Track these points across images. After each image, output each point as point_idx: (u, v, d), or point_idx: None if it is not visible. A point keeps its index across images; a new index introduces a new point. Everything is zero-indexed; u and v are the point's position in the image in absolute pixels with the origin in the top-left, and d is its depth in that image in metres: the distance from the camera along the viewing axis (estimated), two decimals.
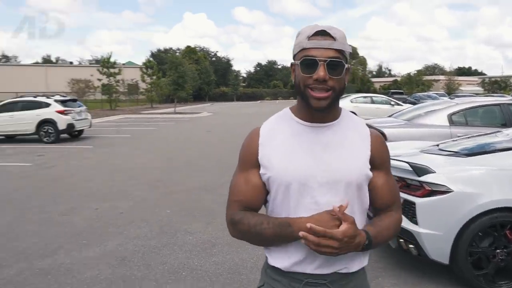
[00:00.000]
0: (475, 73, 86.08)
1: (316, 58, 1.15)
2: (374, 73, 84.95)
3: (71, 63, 76.80)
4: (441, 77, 59.03)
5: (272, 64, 76.23)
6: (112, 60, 32.94)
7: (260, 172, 1.27)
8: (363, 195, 1.28)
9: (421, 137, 5.85)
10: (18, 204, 5.92)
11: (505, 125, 6.13)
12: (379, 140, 1.32)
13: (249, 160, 1.29)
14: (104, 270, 3.71)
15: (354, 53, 62.85)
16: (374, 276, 3.50)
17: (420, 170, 3.29)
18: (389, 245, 3.61)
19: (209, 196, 6.13)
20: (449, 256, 3.17)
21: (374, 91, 51.60)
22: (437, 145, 4.30)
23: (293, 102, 1.34)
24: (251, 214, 1.27)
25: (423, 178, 3.26)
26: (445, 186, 3.17)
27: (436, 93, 33.59)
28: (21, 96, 14.55)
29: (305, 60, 1.17)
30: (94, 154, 10.71)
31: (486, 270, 3.14)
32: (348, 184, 1.23)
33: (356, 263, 1.28)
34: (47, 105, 13.15)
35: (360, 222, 1.28)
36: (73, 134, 14.04)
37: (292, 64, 1.25)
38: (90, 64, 65.94)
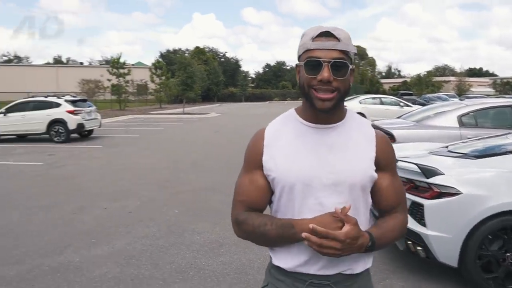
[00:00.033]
0: (487, 74, 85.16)
1: (320, 59, 1.15)
2: (384, 74, 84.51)
3: (81, 63, 77.55)
4: (452, 78, 58.47)
5: (280, 64, 76.21)
6: (121, 60, 33.25)
7: (265, 173, 1.28)
8: (368, 196, 1.28)
9: (430, 138, 5.81)
10: (29, 202, 6.00)
11: None
12: (384, 141, 1.31)
13: (254, 160, 1.30)
14: (112, 268, 3.74)
15: (363, 54, 62.61)
16: (382, 278, 3.48)
17: (428, 171, 3.27)
18: (397, 247, 3.59)
19: (217, 197, 6.15)
20: (458, 259, 3.14)
21: (383, 92, 51.32)
22: (446, 147, 4.27)
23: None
24: (255, 215, 1.27)
25: (432, 180, 3.24)
26: (454, 188, 3.15)
27: (446, 94, 33.29)
28: (32, 96, 14.72)
29: (309, 61, 1.17)
30: (104, 154, 10.80)
31: (495, 273, 3.11)
32: (352, 185, 1.23)
33: (360, 265, 1.28)
34: (58, 105, 13.30)
35: (366, 223, 1.28)
36: (83, 134, 14.17)
37: (296, 66, 1.25)
38: (100, 64, 66.60)
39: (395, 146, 5.06)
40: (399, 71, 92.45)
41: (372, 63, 63.80)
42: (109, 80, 32.99)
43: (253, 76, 75.29)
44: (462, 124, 6.35)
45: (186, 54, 53.43)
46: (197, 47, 57.69)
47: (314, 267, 1.24)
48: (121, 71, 32.89)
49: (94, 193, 6.50)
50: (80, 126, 13.38)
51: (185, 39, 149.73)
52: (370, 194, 1.30)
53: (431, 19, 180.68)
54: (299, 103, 1.38)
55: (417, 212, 3.29)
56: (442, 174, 3.25)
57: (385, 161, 1.29)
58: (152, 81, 35.54)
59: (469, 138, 5.17)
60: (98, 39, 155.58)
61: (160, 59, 41.05)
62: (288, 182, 1.24)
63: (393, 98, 19.77)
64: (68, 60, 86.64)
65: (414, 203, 3.33)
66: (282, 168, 1.24)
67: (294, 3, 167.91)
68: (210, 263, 3.84)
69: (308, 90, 1.19)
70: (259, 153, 1.29)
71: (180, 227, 4.84)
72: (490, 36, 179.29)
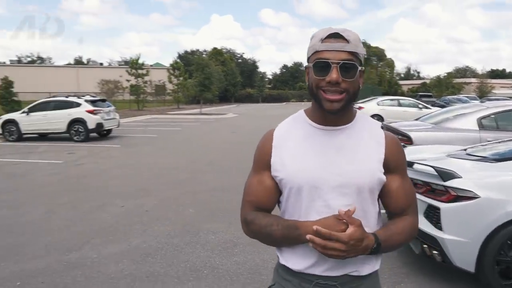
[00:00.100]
0: (510, 75, 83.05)
1: (329, 61, 1.15)
2: (402, 75, 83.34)
3: (101, 64, 78.94)
4: (473, 80, 57.23)
5: (298, 65, 75.92)
6: (140, 61, 33.69)
7: (273, 174, 1.29)
8: (375, 199, 1.28)
9: (448, 141, 5.72)
10: (49, 199, 6.15)
11: None
12: (394, 143, 1.30)
13: (263, 161, 1.31)
14: (128, 265, 3.81)
15: (381, 55, 61.91)
16: (396, 282, 3.45)
17: (445, 174, 3.23)
18: (413, 250, 3.55)
19: (233, 197, 6.17)
20: (475, 264, 3.08)
21: (402, 94, 50.58)
22: (465, 150, 4.20)
23: None
24: (262, 215, 1.29)
25: (449, 183, 3.19)
26: (472, 191, 3.09)
27: (467, 96, 32.64)
28: (53, 96, 15.04)
29: (318, 63, 1.18)
30: (121, 153, 10.98)
31: None
32: (360, 187, 1.23)
33: (367, 267, 1.28)
34: (78, 105, 13.56)
35: (375, 225, 1.28)
36: (101, 133, 14.41)
37: (306, 67, 1.26)
38: (119, 65, 67.65)
39: (412, 148, 5.02)
40: (418, 72, 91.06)
41: (390, 64, 62.99)
42: (128, 80, 33.48)
43: (270, 77, 75.34)
44: (482, 126, 6.22)
45: (204, 55, 53.80)
46: (215, 48, 58.07)
47: (320, 268, 1.24)
48: (140, 71, 33.34)
49: (112, 192, 6.62)
50: (99, 125, 13.62)
51: (203, 40, 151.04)
52: (379, 196, 1.30)
53: (451, 20, 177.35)
54: None
55: (433, 215, 3.25)
56: (459, 177, 3.20)
57: (394, 163, 1.28)
58: (170, 81, 35.90)
59: (489, 141, 5.06)
60: (117, 40, 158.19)
61: (178, 60, 41.44)
62: (296, 183, 1.24)
63: (411, 100, 19.47)
64: (88, 61, 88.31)
65: (430, 206, 3.29)
66: (290, 170, 1.25)
67: (311, 5, 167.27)
68: (224, 263, 3.87)
69: (317, 91, 1.20)
70: (267, 154, 1.30)
71: (195, 227, 4.89)
72: None
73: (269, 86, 68.52)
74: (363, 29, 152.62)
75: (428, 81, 57.62)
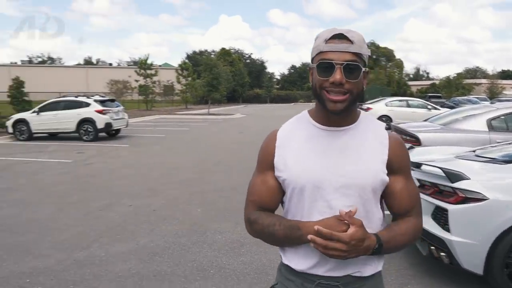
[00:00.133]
0: None
1: (333, 62, 1.15)
2: (411, 76, 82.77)
3: (110, 64, 79.51)
4: (483, 81, 56.64)
5: (306, 66, 75.55)
6: (149, 61, 33.94)
7: (276, 174, 1.29)
8: (379, 199, 1.28)
9: (457, 142, 5.68)
10: (59, 198, 6.22)
11: None
12: (398, 144, 1.30)
13: (266, 161, 1.32)
14: (136, 264, 3.84)
15: (390, 55, 61.48)
16: (403, 283, 3.44)
17: (453, 176, 3.21)
18: (420, 252, 3.54)
19: (240, 197, 6.19)
20: (484, 267, 3.06)
21: (411, 95, 50.22)
22: (474, 151, 4.17)
23: None
24: (265, 215, 1.30)
25: (457, 185, 3.17)
26: (480, 193, 3.07)
27: (477, 97, 32.29)
28: (63, 96, 15.21)
29: (322, 64, 1.18)
30: (130, 153, 11.05)
31: None
32: (362, 188, 1.22)
33: (370, 268, 1.28)
34: (87, 104, 13.68)
35: (378, 226, 1.28)
36: (110, 133, 14.52)
37: (310, 68, 1.26)
38: (128, 65, 68.14)
39: (420, 149, 4.99)
40: (427, 73, 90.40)
41: (399, 64, 62.48)
42: (136, 80, 33.73)
43: (279, 77, 75.30)
44: (491, 128, 6.17)
45: (212, 56, 53.95)
46: (223, 49, 58.15)
47: (323, 268, 1.25)
48: (148, 72, 33.56)
49: (120, 191, 6.67)
50: (108, 125, 13.72)
51: (211, 41, 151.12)
52: (383, 198, 1.30)
53: (462, 20, 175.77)
54: None
55: (441, 217, 3.23)
56: (467, 179, 3.17)
57: (398, 164, 1.28)
58: (178, 82, 36.08)
59: (498, 143, 5.01)
60: (127, 40, 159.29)
61: (187, 61, 41.58)
62: (298, 184, 1.25)
63: (420, 101, 19.33)
64: (98, 61, 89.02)
65: (438, 208, 3.27)
66: (293, 170, 1.25)
67: (320, 5, 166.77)
68: (231, 262, 3.88)
69: (320, 91, 1.20)
70: (271, 154, 1.31)
71: (202, 226, 4.91)
72: None
73: (277, 86, 68.45)
74: (372, 29, 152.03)
75: (437, 82, 57.12)
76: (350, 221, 1.13)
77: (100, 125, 13.46)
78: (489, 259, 3.03)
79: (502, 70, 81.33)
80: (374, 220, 1.26)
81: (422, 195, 3.45)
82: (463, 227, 3.10)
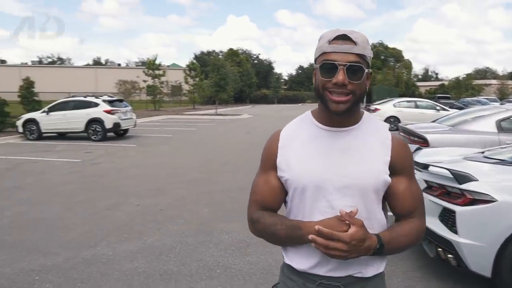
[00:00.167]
0: None
1: (336, 62, 1.15)
2: (420, 76, 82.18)
3: (119, 65, 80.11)
4: (493, 82, 56.09)
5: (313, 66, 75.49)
6: (157, 62, 34.06)
7: (278, 174, 1.30)
8: (381, 200, 1.28)
9: (466, 143, 5.63)
10: (67, 197, 6.27)
11: None
12: (401, 145, 1.29)
13: (269, 161, 1.33)
14: (142, 263, 3.86)
15: (399, 56, 61.06)
16: (410, 285, 3.41)
17: (461, 177, 3.18)
18: (427, 254, 3.51)
19: (247, 197, 6.12)
20: (492, 269, 3.03)
21: (419, 96, 49.88)
22: (482, 153, 4.13)
23: None
24: (268, 214, 1.30)
25: (465, 186, 3.14)
26: (489, 195, 3.04)
27: (487, 98, 31.95)
28: (72, 96, 15.33)
29: (325, 64, 1.18)
30: (138, 153, 11.12)
31: None
32: (364, 189, 1.22)
33: (372, 269, 1.27)
34: (96, 105, 13.77)
35: (380, 226, 1.27)
36: (118, 133, 14.62)
37: (313, 68, 1.26)
38: (136, 66, 68.53)
39: (428, 150, 4.95)
40: (436, 73, 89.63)
41: (408, 65, 62.03)
42: (144, 81, 33.90)
43: (286, 78, 75.13)
44: (501, 129, 6.10)
45: (220, 56, 54.08)
46: (231, 49, 58.25)
47: (324, 268, 1.25)
48: (157, 72, 33.71)
49: (127, 190, 6.71)
50: (116, 125, 13.81)
51: (219, 41, 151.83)
52: (386, 199, 1.29)
53: (471, 20, 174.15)
54: None
55: (449, 218, 3.21)
56: (475, 180, 3.15)
57: (401, 165, 1.27)
58: (186, 82, 36.19)
59: (508, 144, 4.96)
60: (135, 41, 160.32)
61: (194, 61, 41.70)
62: (300, 184, 1.25)
63: (429, 102, 19.16)
64: (106, 61, 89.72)
65: (445, 210, 3.25)
66: (295, 170, 1.26)
67: (328, 5, 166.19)
68: (237, 262, 3.89)
69: (323, 92, 1.20)
70: (274, 154, 1.31)
71: (209, 226, 4.93)
72: None
73: (285, 87, 68.32)
74: (381, 29, 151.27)
75: (446, 83, 56.66)
76: (351, 221, 1.13)
77: (108, 125, 13.56)
78: (498, 262, 3.00)
79: None
80: (376, 220, 1.26)
81: (429, 196, 3.44)
82: (471, 229, 3.07)
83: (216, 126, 19.87)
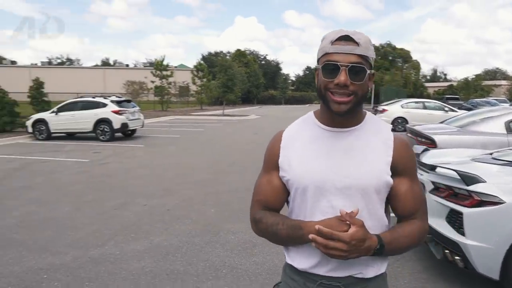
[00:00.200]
0: None
1: (338, 63, 1.16)
2: (428, 77, 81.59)
3: (127, 65, 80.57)
4: (503, 82, 55.46)
5: None
6: (165, 63, 34.21)
7: (280, 174, 1.31)
8: (383, 201, 1.27)
9: (474, 145, 5.59)
10: (75, 197, 6.33)
11: None
12: (403, 145, 1.29)
13: (271, 161, 1.34)
14: (149, 263, 3.89)
15: (407, 56, 60.71)
16: (417, 287, 3.40)
17: (468, 179, 3.16)
18: (434, 255, 3.49)
19: None
20: (500, 272, 3.00)
21: (428, 97, 49.54)
22: (491, 154, 4.10)
23: None
24: (270, 214, 1.31)
25: (472, 188, 3.12)
26: (497, 196, 3.02)
27: (496, 99, 31.63)
28: (81, 97, 15.46)
29: (327, 65, 1.18)
30: (145, 153, 11.18)
31: None
32: (365, 189, 1.22)
33: (372, 269, 1.27)
34: (104, 105, 13.88)
35: (381, 227, 1.27)
36: (126, 133, 14.70)
37: (316, 69, 1.26)
38: (144, 66, 68.91)
39: (435, 151, 4.92)
40: (445, 74, 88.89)
41: (416, 66, 61.66)
42: (152, 81, 34.06)
43: (293, 78, 75.03)
44: (510, 130, 6.06)
45: (227, 57, 54.18)
46: (238, 50, 58.34)
47: (324, 268, 1.25)
48: (164, 73, 33.86)
49: (135, 191, 6.76)
50: (124, 125, 13.91)
51: (227, 42, 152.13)
52: (388, 199, 1.29)
53: (481, 20, 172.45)
54: None
55: (456, 220, 3.19)
56: (483, 182, 3.13)
57: (403, 166, 1.27)
58: (194, 83, 36.32)
59: None
60: (143, 42, 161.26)
61: (202, 62, 41.81)
62: (301, 184, 1.26)
63: (437, 103, 19.02)
64: (115, 62, 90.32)
65: (452, 211, 3.23)
66: (296, 171, 1.26)
67: (336, 6, 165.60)
68: (243, 263, 3.90)
69: (325, 93, 1.20)
70: (276, 155, 1.32)
71: (215, 226, 4.94)
72: None
73: (292, 88, 68.27)
74: (388, 30, 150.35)
75: (455, 84, 56.19)
76: (351, 221, 1.13)
77: (116, 125, 13.65)
78: (506, 264, 2.98)
79: None
80: (377, 221, 1.26)
81: (436, 198, 3.42)
82: (478, 231, 3.05)
83: (223, 127, 19.91)
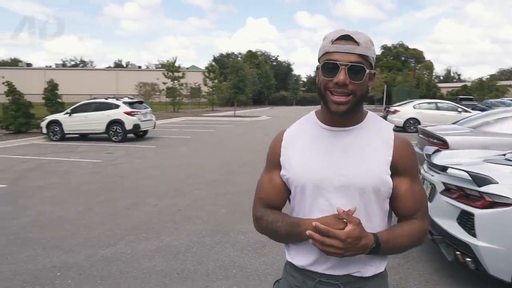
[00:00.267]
0: None
1: (337, 62, 1.17)
2: (442, 78, 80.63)
3: (139, 67, 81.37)
4: None
5: None
6: (176, 64, 34.47)
7: (281, 173, 1.33)
8: (382, 200, 1.27)
9: (488, 146, 5.53)
10: (88, 197, 6.43)
11: None
12: (404, 145, 1.28)
13: (273, 161, 1.36)
14: (160, 262, 3.93)
15: (419, 57, 60.08)
16: None
17: (480, 180, 3.13)
18: (445, 257, 3.46)
19: None
20: None
21: (441, 97, 48.96)
22: (504, 155, 4.05)
23: None
24: (270, 212, 1.33)
25: (484, 189, 3.09)
26: (509, 198, 2.98)
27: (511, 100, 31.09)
28: (94, 98, 15.66)
29: (327, 64, 1.19)
30: (156, 154, 11.28)
31: None
32: (363, 188, 1.23)
33: (370, 268, 1.28)
34: (117, 106, 14.03)
35: (380, 226, 1.27)
36: (138, 134, 14.85)
37: (317, 68, 1.27)
38: (156, 68, 69.46)
39: (447, 152, 4.87)
40: (458, 74, 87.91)
41: (429, 66, 60.94)
42: (164, 83, 34.35)
43: (305, 79, 74.88)
44: None
45: (239, 58, 54.30)
46: (250, 51, 58.43)
47: (322, 266, 1.27)
48: (176, 74, 34.10)
49: (146, 191, 6.83)
50: (136, 126, 14.03)
51: (238, 43, 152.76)
52: (387, 200, 1.28)
53: (496, 19, 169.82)
54: None
55: (467, 221, 3.16)
56: (495, 183, 3.09)
57: (403, 165, 1.26)
58: (205, 84, 36.51)
59: None
60: (156, 43, 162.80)
61: (213, 63, 42.03)
62: (300, 182, 1.27)
63: (450, 103, 18.77)
64: (127, 64, 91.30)
65: (463, 212, 3.20)
66: (296, 169, 1.28)
67: (347, 6, 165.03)
68: (253, 263, 3.92)
69: (325, 92, 1.21)
70: (277, 154, 1.34)
71: (226, 227, 4.97)
72: None
73: (303, 88, 68.13)
74: (401, 30, 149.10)
75: (469, 84, 55.42)
76: (348, 219, 1.14)
77: (128, 126, 13.78)
78: None
79: None
80: (375, 220, 1.26)
81: (447, 199, 3.39)
82: (490, 232, 3.02)
83: (234, 128, 19.96)
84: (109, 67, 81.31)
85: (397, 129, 16.97)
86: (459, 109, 17.36)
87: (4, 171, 8.60)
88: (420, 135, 7.13)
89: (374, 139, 1.27)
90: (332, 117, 1.27)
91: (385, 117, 18.58)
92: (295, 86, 60.54)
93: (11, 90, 16.01)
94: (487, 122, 6.68)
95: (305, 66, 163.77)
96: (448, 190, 3.46)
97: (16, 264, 3.89)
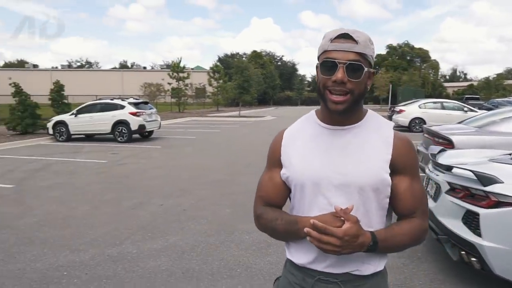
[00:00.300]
0: None
1: (336, 61, 1.17)
2: (447, 77, 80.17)
3: (144, 68, 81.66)
4: None
5: None
6: (181, 65, 34.58)
7: (281, 172, 1.34)
8: (382, 199, 1.27)
9: (493, 145, 5.50)
10: (93, 197, 6.47)
11: None
12: (404, 143, 1.29)
13: (273, 159, 1.38)
14: (165, 261, 3.95)
15: (425, 56, 59.77)
16: None
17: (485, 179, 3.12)
18: (450, 257, 3.45)
19: None
20: None
21: (447, 97, 48.70)
22: (510, 154, 4.03)
23: None
24: (270, 210, 1.35)
25: (489, 188, 3.08)
26: None
27: None
28: (99, 99, 15.75)
29: (326, 62, 1.20)
30: (162, 154, 11.32)
31: None
32: (362, 187, 1.23)
33: (369, 267, 1.28)
34: (122, 107, 14.10)
35: (379, 225, 1.27)
36: (144, 134, 14.92)
37: (316, 67, 1.28)
38: (161, 68, 69.70)
39: (452, 152, 4.86)
40: (465, 74, 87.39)
41: (434, 66, 60.58)
42: (169, 83, 34.45)
43: (310, 79, 74.76)
44: None
45: (244, 58, 54.34)
46: (254, 51, 58.48)
47: (321, 264, 1.28)
48: (181, 75, 34.21)
49: (151, 191, 6.86)
50: (141, 127, 14.10)
51: (243, 43, 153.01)
52: (387, 199, 1.28)
53: (502, 17, 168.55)
54: None
55: (472, 221, 3.15)
56: (501, 183, 3.08)
57: (402, 164, 1.26)
58: (210, 84, 36.58)
59: None
60: (160, 44, 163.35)
61: (218, 63, 42.13)
62: (300, 181, 1.28)
63: (456, 103, 18.66)
64: (132, 64, 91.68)
65: (468, 212, 3.19)
66: (295, 168, 1.29)
67: (353, 6, 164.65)
68: (258, 262, 3.93)
69: (324, 91, 1.22)
70: (277, 153, 1.36)
71: (231, 226, 4.99)
72: None
73: (308, 88, 68.02)
74: (407, 29, 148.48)
75: (475, 83, 55.06)
76: (346, 217, 1.14)
77: (134, 126, 13.85)
78: None
79: None
80: (374, 219, 1.26)
81: (453, 199, 3.38)
82: (495, 232, 3.01)
83: (239, 128, 19.99)
84: (115, 68, 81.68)
85: (403, 129, 16.90)
86: (465, 109, 17.25)
87: (11, 172, 8.68)
88: (425, 135, 7.11)
89: (373, 138, 1.28)
90: (331, 116, 1.27)
91: (390, 117, 18.53)
92: (300, 86, 60.50)
93: (18, 91, 16.15)
94: (493, 122, 6.64)
95: (310, 66, 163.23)
96: (453, 189, 3.46)
97: (24, 263, 3.94)
